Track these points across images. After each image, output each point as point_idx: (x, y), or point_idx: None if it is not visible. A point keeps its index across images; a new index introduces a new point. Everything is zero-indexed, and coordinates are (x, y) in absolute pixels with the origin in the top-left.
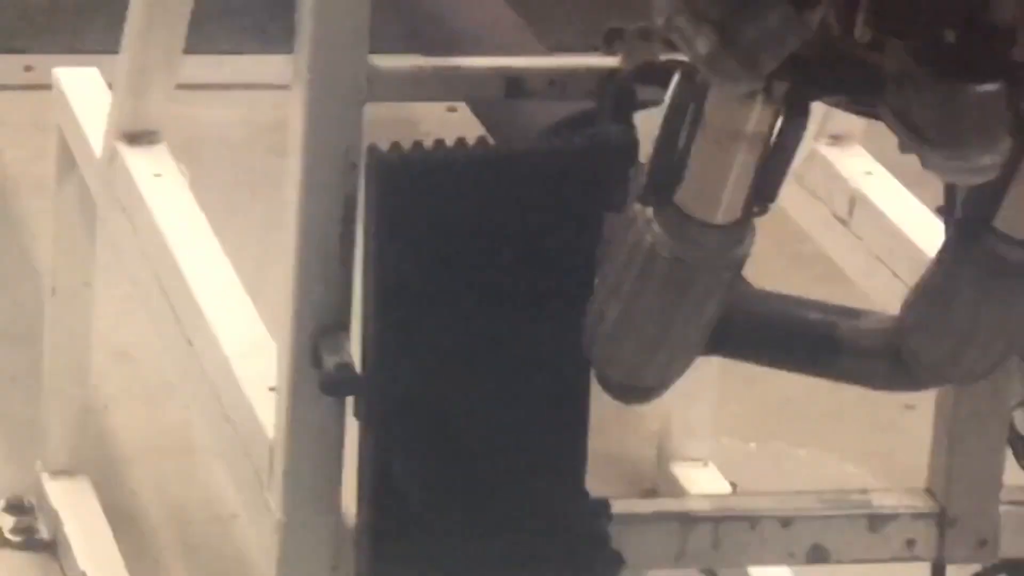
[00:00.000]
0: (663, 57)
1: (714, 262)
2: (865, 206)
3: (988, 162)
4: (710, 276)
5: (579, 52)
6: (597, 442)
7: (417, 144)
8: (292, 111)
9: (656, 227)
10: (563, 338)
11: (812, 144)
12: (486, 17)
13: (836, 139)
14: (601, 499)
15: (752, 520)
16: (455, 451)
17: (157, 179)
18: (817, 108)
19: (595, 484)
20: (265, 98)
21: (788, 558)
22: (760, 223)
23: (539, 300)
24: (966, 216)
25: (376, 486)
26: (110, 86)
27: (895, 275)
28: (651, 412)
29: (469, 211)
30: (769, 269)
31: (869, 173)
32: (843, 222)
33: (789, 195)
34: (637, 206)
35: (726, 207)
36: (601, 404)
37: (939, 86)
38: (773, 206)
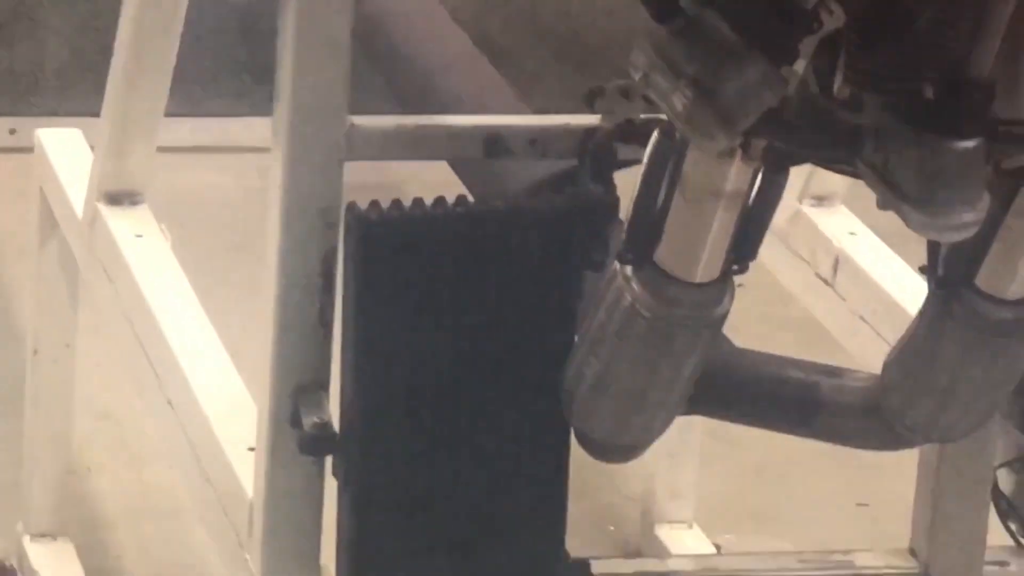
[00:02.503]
0: (643, 116)
1: (693, 321)
2: (849, 266)
3: (968, 219)
4: (689, 335)
5: (562, 112)
6: (582, 505)
7: (396, 203)
8: (272, 169)
9: (635, 286)
10: (542, 396)
11: (796, 205)
12: (468, 77)
13: (820, 200)
14: (582, 560)
15: None
16: (433, 511)
17: (139, 240)
18: (801, 169)
19: (580, 547)
20: (250, 161)
21: None
22: (745, 285)
23: (518, 359)
24: (947, 274)
25: (354, 545)
26: (93, 148)
27: (879, 335)
28: (635, 474)
29: (448, 270)
30: (753, 331)
31: (853, 233)
32: (827, 283)
33: (773, 256)
34: (617, 265)
35: (705, 265)
36: (587, 466)
37: (918, 143)
38: (752, 264)
